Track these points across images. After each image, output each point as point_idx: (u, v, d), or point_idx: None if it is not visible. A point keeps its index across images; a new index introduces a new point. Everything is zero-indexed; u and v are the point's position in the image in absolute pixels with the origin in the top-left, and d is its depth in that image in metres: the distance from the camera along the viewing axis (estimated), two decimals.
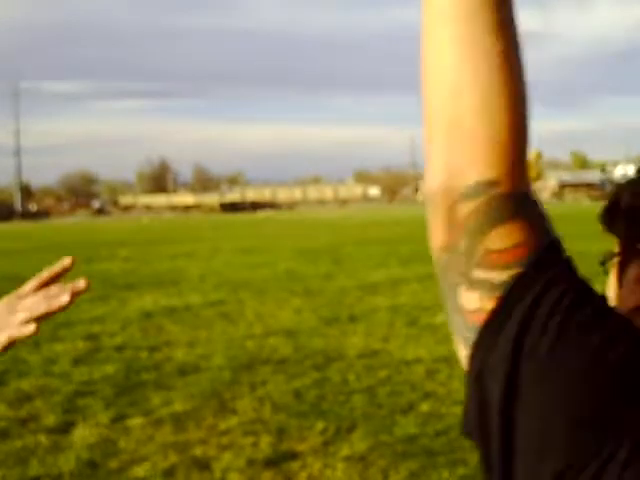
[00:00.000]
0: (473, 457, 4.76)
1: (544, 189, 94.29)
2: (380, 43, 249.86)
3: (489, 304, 0.72)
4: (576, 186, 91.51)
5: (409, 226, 34.60)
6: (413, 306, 10.07)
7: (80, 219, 67.44)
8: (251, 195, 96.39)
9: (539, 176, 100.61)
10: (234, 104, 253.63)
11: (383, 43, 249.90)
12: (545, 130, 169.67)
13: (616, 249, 0.86)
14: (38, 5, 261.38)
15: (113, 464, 4.90)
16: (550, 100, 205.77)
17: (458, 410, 5.69)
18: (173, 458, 4.94)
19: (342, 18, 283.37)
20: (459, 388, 6.29)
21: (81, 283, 1.29)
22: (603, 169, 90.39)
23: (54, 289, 1.30)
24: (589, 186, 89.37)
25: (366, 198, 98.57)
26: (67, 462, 4.84)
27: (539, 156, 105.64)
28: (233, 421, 5.67)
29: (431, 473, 4.55)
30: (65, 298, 1.28)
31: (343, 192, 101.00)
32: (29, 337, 1.25)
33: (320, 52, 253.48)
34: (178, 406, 6.09)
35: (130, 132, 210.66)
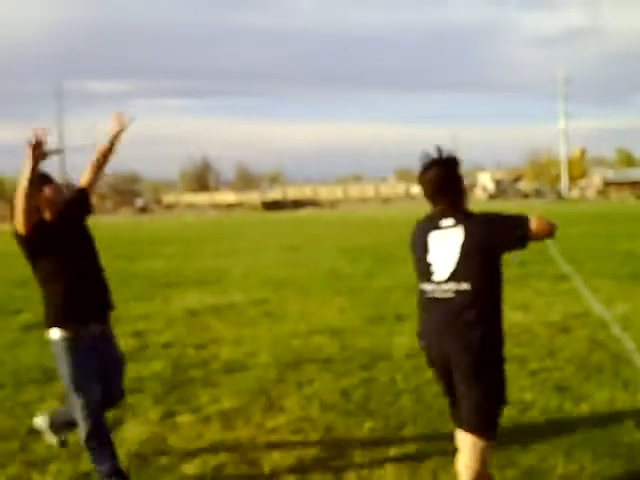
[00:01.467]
0: (523, 458, 4.70)
1: (589, 187, 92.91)
2: (425, 42, 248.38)
3: None
4: (620, 184, 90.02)
5: None
6: None
7: (124, 217, 68.14)
8: (292, 193, 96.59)
9: (584, 174, 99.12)
10: (275, 103, 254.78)
11: (428, 41, 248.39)
12: (590, 127, 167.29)
13: None
14: (82, 5, 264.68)
15: (163, 460, 4.94)
16: (595, 97, 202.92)
17: (515, 413, 5.61)
18: (223, 456, 4.97)
19: (389, 17, 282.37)
20: (510, 390, 6.20)
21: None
22: None
23: None
24: (634, 184, 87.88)
25: (409, 196, 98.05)
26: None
27: (584, 153, 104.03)
28: (281, 419, 5.68)
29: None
30: None
31: (385, 190, 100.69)
32: None
33: (364, 51, 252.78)
34: (226, 403, 6.13)
35: (172, 131, 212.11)
